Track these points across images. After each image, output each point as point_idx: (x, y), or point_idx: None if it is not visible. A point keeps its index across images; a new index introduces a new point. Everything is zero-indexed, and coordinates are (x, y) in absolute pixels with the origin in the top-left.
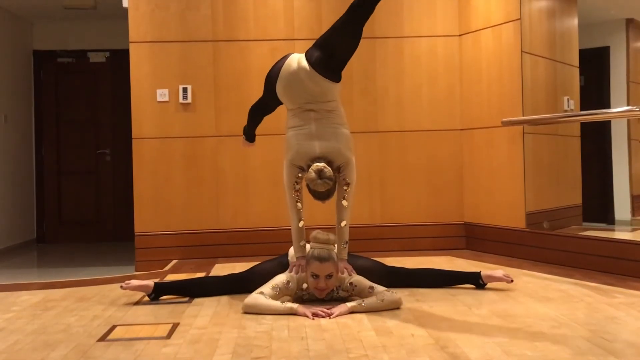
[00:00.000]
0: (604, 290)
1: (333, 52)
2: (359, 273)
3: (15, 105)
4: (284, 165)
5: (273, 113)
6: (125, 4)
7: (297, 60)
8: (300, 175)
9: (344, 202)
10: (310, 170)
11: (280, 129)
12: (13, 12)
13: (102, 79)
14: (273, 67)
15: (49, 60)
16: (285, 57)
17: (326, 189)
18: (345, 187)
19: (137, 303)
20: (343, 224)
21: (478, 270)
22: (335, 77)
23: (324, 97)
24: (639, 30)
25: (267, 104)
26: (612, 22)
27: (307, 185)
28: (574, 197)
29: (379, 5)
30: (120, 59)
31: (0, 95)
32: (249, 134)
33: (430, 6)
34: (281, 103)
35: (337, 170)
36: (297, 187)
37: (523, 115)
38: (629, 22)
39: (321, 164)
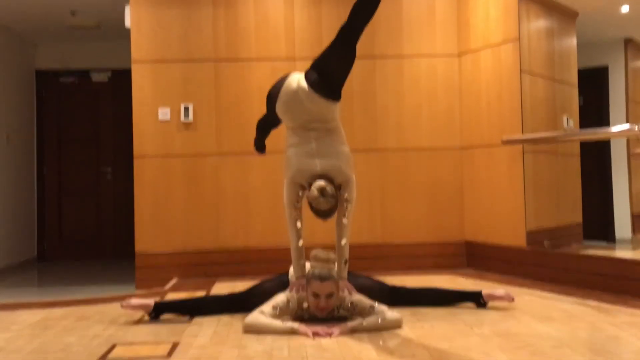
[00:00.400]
0: (605, 309)
1: (328, 72)
2: (359, 292)
3: (17, 124)
4: (284, 184)
5: (274, 131)
6: (128, 24)
7: (297, 80)
8: (301, 193)
9: (344, 220)
10: (312, 188)
11: (280, 147)
12: (16, 32)
13: (104, 98)
14: (274, 86)
15: (51, 79)
16: (285, 77)
17: (329, 206)
18: (345, 205)
19: (138, 322)
20: (343, 242)
21: (479, 289)
22: (334, 96)
23: (323, 117)
24: (637, 50)
25: (271, 119)
26: (610, 42)
27: (310, 204)
28: (575, 215)
29: (378, 25)
30: (122, 79)
31: (3, 114)
32: (259, 145)
33: (430, 26)
34: None
35: (338, 188)
36: (298, 205)
37: (523, 134)
38: (627, 42)
39: (323, 182)
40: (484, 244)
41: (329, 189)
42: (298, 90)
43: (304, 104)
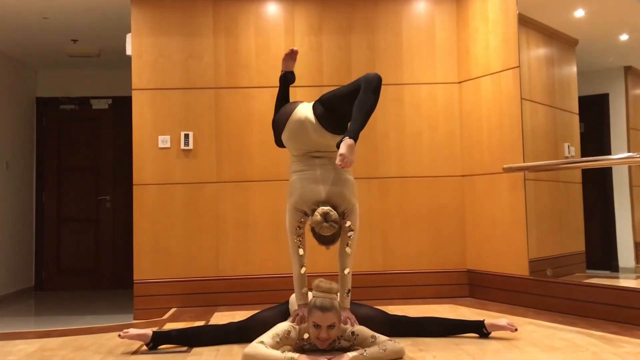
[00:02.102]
0: (609, 339)
1: (336, 113)
2: (360, 322)
3: (17, 151)
4: (286, 210)
5: (273, 159)
6: (128, 52)
7: (305, 111)
8: (303, 220)
9: (348, 250)
10: (315, 213)
11: (280, 174)
12: (17, 59)
13: (104, 125)
14: (281, 112)
15: (52, 107)
16: (293, 104)
17: (332, 232)
18: (349, 234)
19: (135, 352)
20: (346, 271)
21: (482, 319)
22: (341, 130)
23: (329, 148)
24: (637, 77)
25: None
26: (610, 70)
27: (312, 229)
28: (577, 244)
29: (379, 54)
30: (122, 106)
31: (2, 141)
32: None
33: (430, 54)
34: None
35: (341, 216)
36: (300, 232)
37: (524, 162)
38: (627, 69)
39: (327, 207)
40: (486, 273)
41: (333, 214)
42: (305, 122)
43: (310, 134)
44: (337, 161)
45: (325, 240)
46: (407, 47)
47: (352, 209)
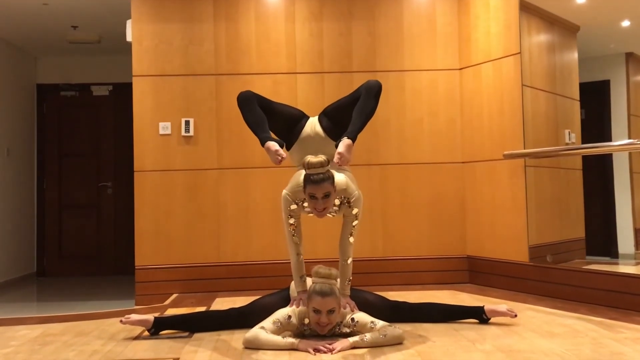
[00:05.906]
0: (608, 325)
1: (342, 123)
2: (360, 307)
3: (17, 138)
4: (281, 198)
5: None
6: (129, 38)
7: (312, 126)
8: (294, 207)
9: (351, 239)
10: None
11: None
12: (17, 46)
13: (104, 112)
14: (292, 112)
15: (52, 93)
16: (298, 121)
17: (320, 160)
18: (353, 224)
19: (137, 338)
20: (349, 261)
21: (481, 305)
22: None
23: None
24: (638, 64)
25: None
26: (611, 56)
27: (304, 179)
28: (577, 230)
29: (379, 40)
30: (123, 93)
31: (3, 128)
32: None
33: (431, 41)
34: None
35: (347, 202)
36: (291, 220)
37: (524, 148)
38: (629, 56)
39: None
40: (486, 259)
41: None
42: (315, 137)
43: (319, 147)
44: (335, 159)
45: (316, 179)
46: (407, 33)
47: (354, 197)
